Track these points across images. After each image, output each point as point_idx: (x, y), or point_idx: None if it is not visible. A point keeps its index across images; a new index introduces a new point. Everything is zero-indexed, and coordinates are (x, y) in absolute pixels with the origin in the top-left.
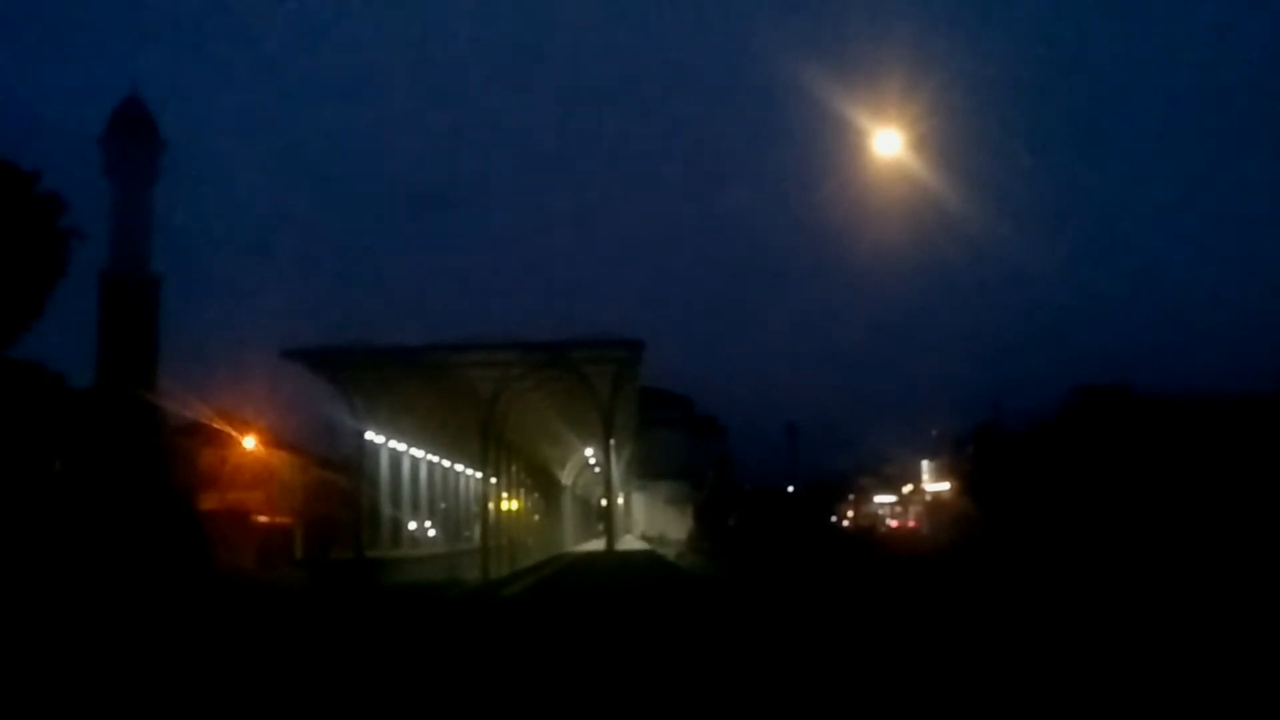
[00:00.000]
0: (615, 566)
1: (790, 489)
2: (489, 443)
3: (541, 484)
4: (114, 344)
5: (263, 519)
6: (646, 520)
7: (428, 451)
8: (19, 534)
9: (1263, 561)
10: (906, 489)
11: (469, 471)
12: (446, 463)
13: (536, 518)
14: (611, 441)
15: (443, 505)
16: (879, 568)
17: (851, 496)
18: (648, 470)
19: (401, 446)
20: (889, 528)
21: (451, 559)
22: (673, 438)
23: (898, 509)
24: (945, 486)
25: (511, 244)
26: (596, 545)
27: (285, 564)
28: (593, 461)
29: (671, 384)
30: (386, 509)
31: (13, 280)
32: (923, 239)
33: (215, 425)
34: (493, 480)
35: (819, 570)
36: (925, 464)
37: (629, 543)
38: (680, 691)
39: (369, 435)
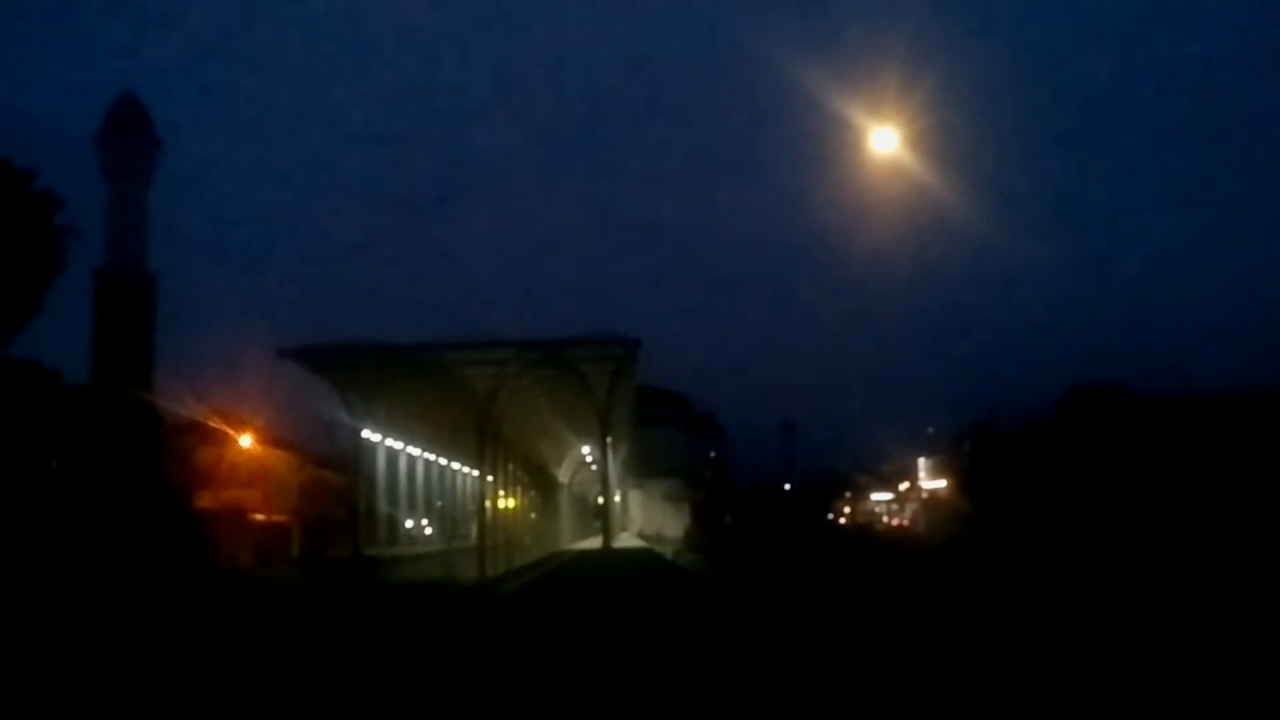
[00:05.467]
0: (611, 564)
1: (787, 487)
2: (485, 441)
3: (538, 482)
4: (110, 342)
5: (259, 517)
6: (644, 518)
7: (424, 450)
8: (14, 532)
9: (1260, 560)
10: (903, 487)
11: (465, 470)
12: (443, 461)
13: (533, 516)
14: (608, 440)
15: (439, 503)
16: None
17: (849, 494)
18: (645, 468)
19: (398, 445)
20: (885, 525)
21: (448, 557)
22: (670, 436)
23: (894, 506)
24: (942, 484)
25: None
26: (593, 543)
27: (282, 562)
28: (590, 460)
29: (669, 382)
30: (383, 507)
31: (9, 278)
32: (919, 236)
33: (211, 423)
34: (489, 478)
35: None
36: (922, 462)
37: (626, 540)
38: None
39: (365, 433)
